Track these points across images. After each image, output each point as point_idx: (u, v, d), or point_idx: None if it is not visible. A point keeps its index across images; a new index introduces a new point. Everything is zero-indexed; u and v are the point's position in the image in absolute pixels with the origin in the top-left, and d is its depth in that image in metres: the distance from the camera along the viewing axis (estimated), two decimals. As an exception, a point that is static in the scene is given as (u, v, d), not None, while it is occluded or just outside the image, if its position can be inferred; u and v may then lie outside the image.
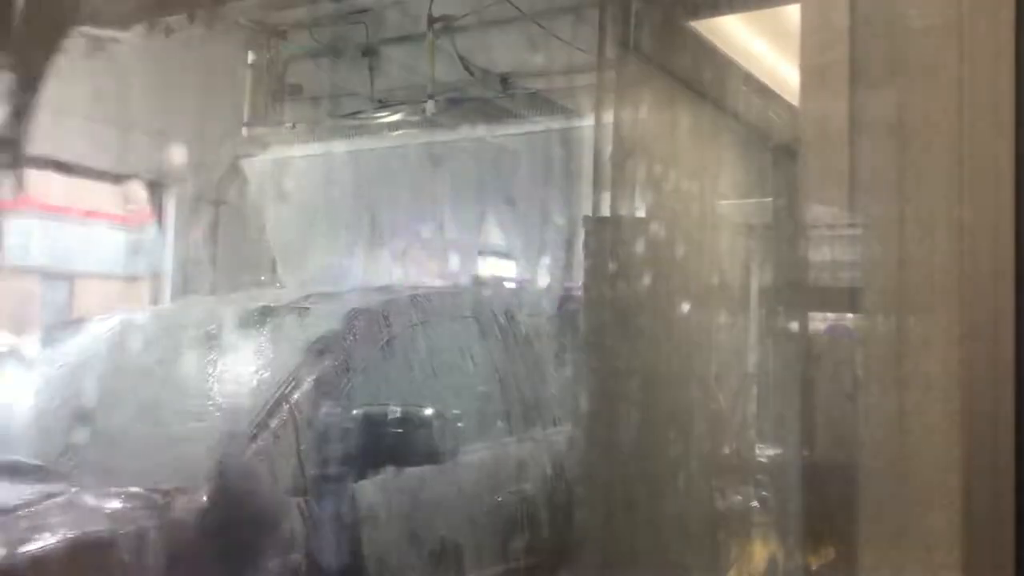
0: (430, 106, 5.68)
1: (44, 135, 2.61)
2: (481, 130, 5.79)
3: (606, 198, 3.04)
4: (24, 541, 2.07)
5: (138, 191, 5.48)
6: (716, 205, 3.57)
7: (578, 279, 3.64)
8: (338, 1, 5.62)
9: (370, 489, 2.71)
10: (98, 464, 2.52)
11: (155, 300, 5.49)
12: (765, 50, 3.67)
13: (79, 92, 4.20)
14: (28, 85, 2.37)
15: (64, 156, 4.77)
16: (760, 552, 3.31)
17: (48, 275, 5.46)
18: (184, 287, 5.46)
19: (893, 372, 1.49)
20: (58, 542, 2.09)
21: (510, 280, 5.60)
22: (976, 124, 1.37)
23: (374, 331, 3.01)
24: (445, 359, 3.25)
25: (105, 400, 2.82)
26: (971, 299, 1.36)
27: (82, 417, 2.72)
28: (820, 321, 1.80)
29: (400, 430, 2.69)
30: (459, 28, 5.60)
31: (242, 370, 2.82)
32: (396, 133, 5.84)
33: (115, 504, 2.26)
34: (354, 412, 2.73)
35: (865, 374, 1.57)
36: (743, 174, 3.91)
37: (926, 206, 1.44)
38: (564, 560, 3.03)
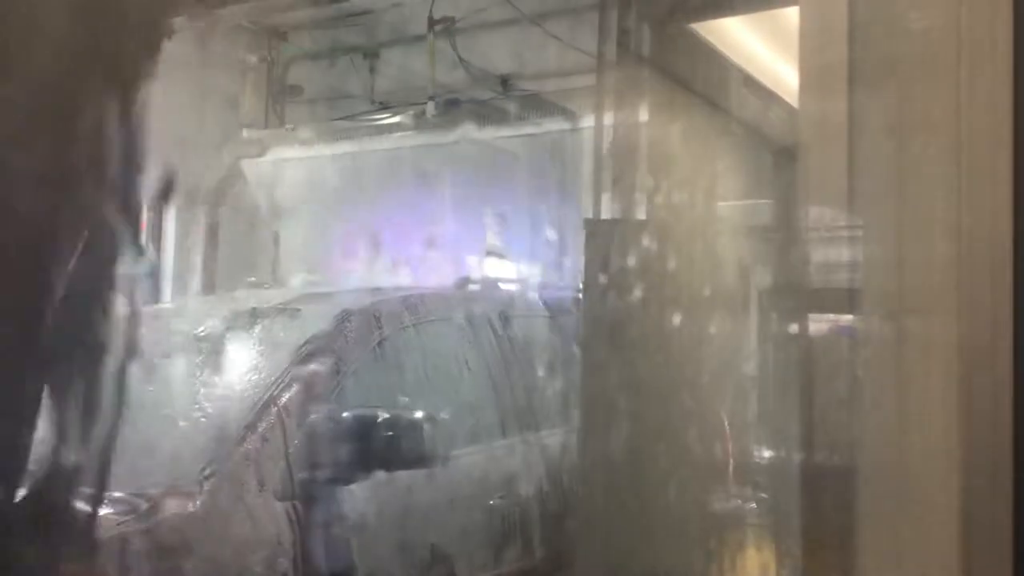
0: (430, 107, 5.69)
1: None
2: (481, 132, 5.79)
3: (606, 200, 3.03)
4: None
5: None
6: (716, 207, 3.57)
7: (577, 281, 3.64)
8: (339, 2, 5.63)
9: (360, 493, 2.68)
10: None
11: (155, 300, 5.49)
12: (765, 51, 3.67)
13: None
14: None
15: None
16: (766, 558, 3.30)
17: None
18: (184, 287, 5.46)
19: (892, 373, 1.48)
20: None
21: (507, 281, 5.59)
22: (975, 126, 1.37)
23: (365, 333, 2.98)
24: (437, 361, 3.23)
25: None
26: (969, 300, 1.36)
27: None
28: (818, 322, 1.80)
29: (390, 433, 2.65)
30: (459, 30, 5.60)
31: (231, 372, 2.79)
32: (396, 135, 5.85)
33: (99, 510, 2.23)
34: (344, 415, 2.70)
35: (864, 375, 1.56)
36: (743, 176, 3.91)
37: (924, 207, 1.44)
38: (564, 563, 3.02)
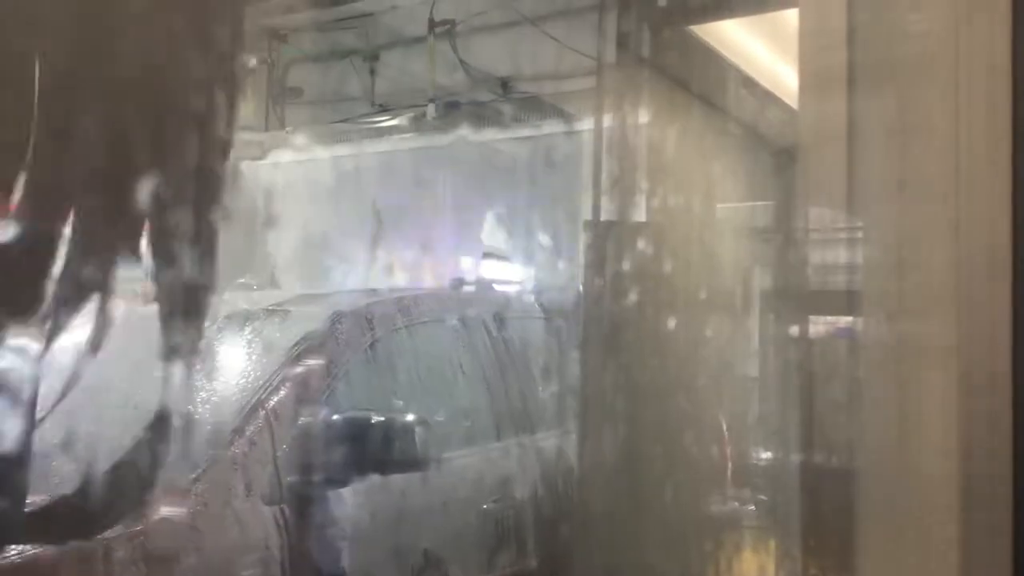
0: (431, 110, 5.69)
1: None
2: (481, 134, 5.80)
3: (606, 202, 3.03)
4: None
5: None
6: (716, 209, 3.57)
7: (573, 282, 3.63)
8: (339, 5, 5.63)
9: (350, 497, 2.64)
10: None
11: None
12: (765, 53, 3.68)
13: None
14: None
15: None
16: (765, 560, 3.30)
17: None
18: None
19: (892, 374, 1.49)
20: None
21: (503, 283, 5.58)
22: (973, 128, 1.38)
23: (357, 334, 2.94)
24: (431, 363, 3.19)
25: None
26: (968, 302, 1.36)
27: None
28: (818, 324, 1.80)
29: (381, 436, 2.61)
30: (459, 32, 5.61)
31: (219, 375, 2.73)
32: (396, 136, 5.85)
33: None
34: (335, 417, 2.65)
35: (864, 376, 1.57)
36: (743, 178, 3.91)
37: (924, 209, 1.44)
38: (559, 568, 3.00)
